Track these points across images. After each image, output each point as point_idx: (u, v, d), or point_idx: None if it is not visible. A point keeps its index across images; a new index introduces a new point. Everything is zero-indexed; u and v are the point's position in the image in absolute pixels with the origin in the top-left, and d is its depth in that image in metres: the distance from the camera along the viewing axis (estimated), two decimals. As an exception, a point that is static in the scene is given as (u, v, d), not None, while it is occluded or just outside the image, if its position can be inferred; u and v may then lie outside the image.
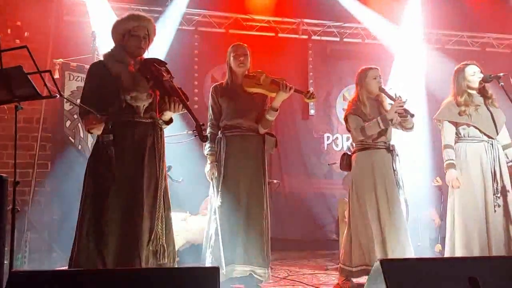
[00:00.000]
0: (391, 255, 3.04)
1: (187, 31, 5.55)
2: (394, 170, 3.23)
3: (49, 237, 4.42)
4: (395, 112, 3.14)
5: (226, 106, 3.09)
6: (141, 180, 2.35)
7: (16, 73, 2.03)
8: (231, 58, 3.12)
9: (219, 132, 3.10)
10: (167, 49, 5.22)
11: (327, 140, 5.85)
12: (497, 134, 3.18)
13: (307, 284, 3.37)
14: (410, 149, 5.40)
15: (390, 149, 3.27)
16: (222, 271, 2.85)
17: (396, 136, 4.37)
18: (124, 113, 2.39)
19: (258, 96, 3.10)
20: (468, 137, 3.19)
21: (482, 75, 3.23)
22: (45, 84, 2.12)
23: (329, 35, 5.99)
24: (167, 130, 3.56)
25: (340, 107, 5.81)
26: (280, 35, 5.83)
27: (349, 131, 3.43)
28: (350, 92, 5.92)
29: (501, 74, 3.21)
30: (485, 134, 3.16)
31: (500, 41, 6.32)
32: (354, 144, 3.43)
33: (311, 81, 5.88)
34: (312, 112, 5.74)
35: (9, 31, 4.44)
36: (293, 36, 5.89)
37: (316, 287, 3.29)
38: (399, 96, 3.17)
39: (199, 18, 5.56)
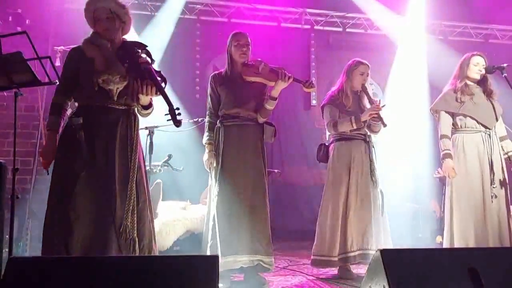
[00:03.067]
0: (350, 248, 3.19)
1: (189, 20, 5.51)
2: (371, 161, 3.31)
3: (50, 225, 4.44)
4: (369, 115, 3.19)
5: (224, 95, 3.06)
6: (113, 170, 2.27)
7: (15, 59, 2.02)
8: (233, 47, 3.07)
9: (218, 121, 3.08)
10: (168, 38, 5.20)
11: (329, 130, 5.84)
12: (495, 124, 3.20)
13: (307, 274, 3.37)
14: (412, 141, 5.40)
15: (366, 140, 3.35)
16: (220, 261, 2.84)
17: (397, 129, 4.36)
18: (96, 97, 2.33)
19: (257, 85, 3.06)
20: (465, 127, 3.21)
21: (484, 69, 3.23)
22: (45, 71, 2.10)
23: (331, 25, 5.94)
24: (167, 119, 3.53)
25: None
26: (282, 24, 5.79)
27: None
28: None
29: (505, 65, 3.21)
30: (481, 125, 3.17)
31: (503, 33, 6.27)
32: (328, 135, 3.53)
33: (313, 71, 5.85)
34: (313, 102, 5.72)
35: (10, 18, 4.42)
36: (296, 26, 5.85)
37: (316, 277, 3.29)
38: (378, 101, 3.23)
39: (201, 7, 5.52)
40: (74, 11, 4.90)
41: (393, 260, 1.80)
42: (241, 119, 3.04)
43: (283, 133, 5.58)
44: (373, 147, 3.39)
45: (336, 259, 3.20)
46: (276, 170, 4.74)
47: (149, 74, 2.28)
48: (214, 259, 1.71)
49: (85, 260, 1.75)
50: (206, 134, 3.09)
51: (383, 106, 3.20)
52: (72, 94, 2.41)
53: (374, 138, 3.45)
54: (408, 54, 5.81)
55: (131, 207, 2.29)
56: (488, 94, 3.25)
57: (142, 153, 2.54)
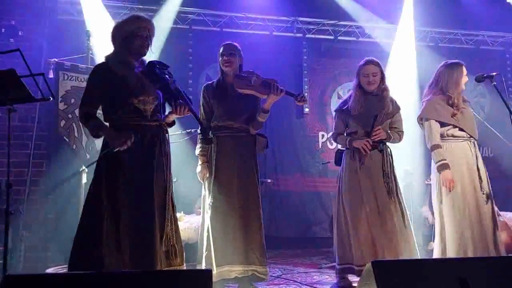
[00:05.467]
0: (381, 256, 2.99)
1: (181, 29, 5.53)
2: (384, 171, 3.15)
3: (44, 236, 4.43)
4: (360, 147, 3.13)
5: (217, 106, 3.09)
6: (151, 184, 2.37)
7: (9, 76, 2.03)
8: (219, 58, 3.13)
9: (210, 132, 3.09)
10: (161, 47, 5.22)
11: (322, 138, 5.86)
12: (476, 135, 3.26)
13: (301, 283, 3.39)
14: (403, 148, 5.44)
15: (379, 149, 3.17)
16: (213, 272, 2.87)
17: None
18: (132, 117, 2.40)
19: (249, 97, 3.09)
20: (453, 136, 3.22)
21: (467, 78, 3.30)
22: (38, 87, 2.12)
23: (323, 33, 5.99)
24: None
25: (335, 105, 5.82)
26: (275, 33, 5.82)
27: None
28: (344, 90, 5.94)
29: (494, 73, 3.21)
30: (468, 134, 3.22)
31: (494, 39, 6.34)
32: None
33: (306, 79, 5.89)
34: (306, 110, 5.75)
35: (3, 30, 4.42)
36: (288, 34, 5.88)
37: (310, 285, 3.31)
38: (377, 131, 3.13)
39: (193, 17, 5.55)
40: (67, 23, 4.92)
41: (384, 272, 1.83)
42: (234, 130, 3.07)
43: (276, 141, 5.61)
44: (390, 155, 3.23)
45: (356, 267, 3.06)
46: (269, 180, 4.75)
47: (180, 95, 2.40)
48: (207, 273, 1.72)
49: (78, 276, 1.75)
50: (198, 145, 3.12)
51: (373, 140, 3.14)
52: (96, 109, 2.46)
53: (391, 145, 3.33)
54: (399, 61, 5.87)
55: (170, 216, 2.43)
56: (465, 102, 3.33)
57: None
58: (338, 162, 3.39)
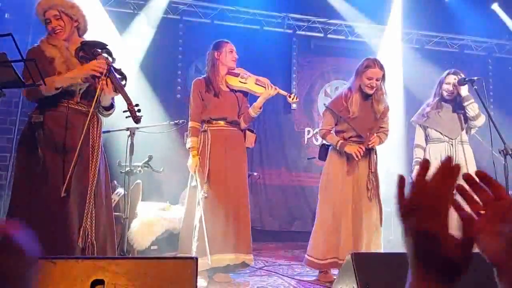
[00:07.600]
0: (341, 254, 3.09)
1: (172, 20, 5.52)
2: (369, 170, 3.22)
3: (26, 222, 4.41)
4: (354, 152, 3.13)
5: (210, 100, 3.17)
6: (67, 172, 2.22)
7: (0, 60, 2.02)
8: (227, 54, 3.16)
9: (204, 125, 3.19)
10: (151, 37, 5.21)
11: (308, 134, 5.93)
12: (459, 135, 3.50)
13: (283, 275, 3.45)
14: (386, 145, 5.54)
15: (366, 148, 3.22)
16: (207, 261, 2.96)
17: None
18: (59, 97, 2.34)
19: (240, 92, 3.23)
20: (431, 137, 3.56)
21: (451, 82, 3.47)
22: (29, 72, 2.12)
23: (313, 31, 6.04)
24: (149, 120, 3.57)
25: (322, 102, 5.88)
26: (265, 28, 5.85)
27: None
28: (332, 88, 6.01)
29: (475, 78, 3.39)
30: (445, 136, 3.48)
31: (477, 44, 6.48)
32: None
33: (294, 75, 5.93)
34: (294, 106, 5.80)
35: (-11, 12, 4.36)
36: (278, 30, 5.92)
37: (290, 277, 3.38)
38: (372, 138, 3.18)
39: (184, 7, 5.54)
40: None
41: (363, 264, 1.89)
42: (227, 124, 3.19)
43: (263, 136, 5.65)
44: (376, 154, 3.27)
45: (326, 262, 3.18)
46: (255, 173, 4.81)
47: (107, 72, 2.29)
48: (192, 260, 1.75)
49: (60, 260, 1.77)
50: (189, 139, 3.17)
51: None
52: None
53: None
54: (385, 62, 5.94)
55: (90, 210, 2.28)
56: (458, 106, 3.49)
57: (104, 157, 2.52)
58: (322, 157, 3.43)
